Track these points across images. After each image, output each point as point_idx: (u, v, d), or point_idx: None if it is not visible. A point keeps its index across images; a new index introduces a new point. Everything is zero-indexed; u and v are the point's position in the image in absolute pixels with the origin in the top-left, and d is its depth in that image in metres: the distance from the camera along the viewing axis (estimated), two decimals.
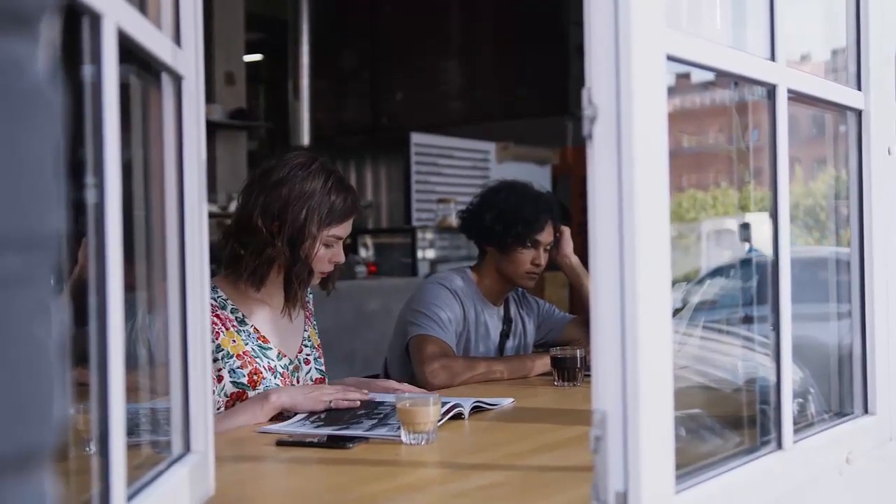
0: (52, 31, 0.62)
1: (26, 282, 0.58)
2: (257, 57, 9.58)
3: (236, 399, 2.00)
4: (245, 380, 2.02)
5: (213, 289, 2.06)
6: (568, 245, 2.79)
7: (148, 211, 1.18)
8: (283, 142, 7.98)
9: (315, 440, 1.70)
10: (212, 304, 2.00)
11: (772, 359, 1.38)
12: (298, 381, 2.15)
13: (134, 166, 1.14)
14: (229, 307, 2.08)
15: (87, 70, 0.86)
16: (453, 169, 7.40)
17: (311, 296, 2.30)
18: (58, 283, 0.67)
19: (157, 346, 1.22)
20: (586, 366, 2.35)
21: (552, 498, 1.37)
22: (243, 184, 2.15)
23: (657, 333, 1.06)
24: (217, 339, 2.01)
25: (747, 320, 1.69)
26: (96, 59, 0.86)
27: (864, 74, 1.64)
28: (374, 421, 1.82)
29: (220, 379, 2.00)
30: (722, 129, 1.79)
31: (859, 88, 1.64)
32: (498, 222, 2.66)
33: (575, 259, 2.80)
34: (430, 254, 6.57)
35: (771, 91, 1.37)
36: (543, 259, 2.69)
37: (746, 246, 1.94)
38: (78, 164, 0.87)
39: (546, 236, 2.68)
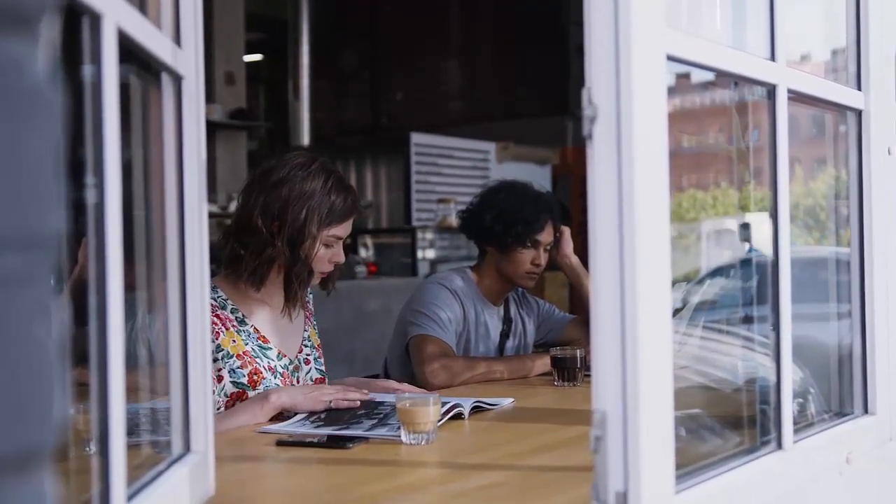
0: (51, 30, 0.62)
1: (26, 282, 0.58)
2: (257, 57, 9.58)
3: (236, 399, 2.00)
4: (245, 380, 2.02)
5: (213, 289, 2.06)
6: (568, 245, 2.79)
7: (148, 211, 1.18)
8: (283, 142, 7.98)
9: (315, 440, 1.70)
10: (212, 305, 2.00)
11: (772, 359, 1.38)
12: (298, 381, 2.15)
13: (134, 166, 1.14)
14: (229, 307, 2.08)
15: (87, 70, 0.86)
16: (453, 169, 7.40)
17: (310, 296, 2.30)
18: (58, 283, 0.67)
19: (157, 345, 1.22)
20: (586, 366, 2.35)
21: (552, 498, 1.37)
22: (243, 184, 2.15)
23: (657, 333, 1.06)
24: (217, 339, 2.01)
25: (747, 320, 1.69)
26: (96, 59, 0.86)
27: (864, 74, 1.64)
28: (374, 421, 1.82)
29: (220, 379, 2.00)
30: (722, 129, 1.79)
31: (859, 88, 1.64)
32: (498, 222, 2.66)
33: (575, 259, 2.80)
34: (430, 254, 6.57)
35: (771, 91, 1.37)
36: (543, 259, 2.69)
37: (746, 246, 1.94)
38: (78, 164, 0.87)
39: (546, 236, 2.68)
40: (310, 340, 2.23)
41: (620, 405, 1.03)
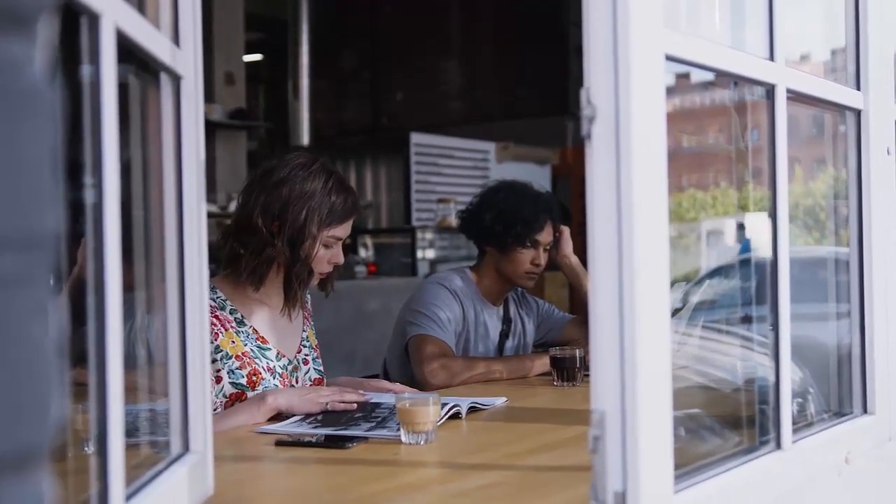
0: (49, 30, 0.62)
1: (25, 282, 0.58)
2: (257, 57, 9.57)
3: (235, 400, 2.00)
4: (244, 381, 2.02)
5: (212, 289, 2.06)
6: (567, 245, 2.79)
7: (147, 211, 1.18)
8: (282, 142, 7.98)
9: (314, 440, 1.70)
10: (210, 305, 2.00)
11: (771, 358, 1.38)
12: (297, 382, 2.15)
13: (133, 166, 1.14)
14: (228, 308, 2.08)
15: (85, 70, 0.86)
16: (453, 169, 7.40)
17: (308, 296, 2.30)
18: (56, 284, 0.67)
19: (155, 345, 1.22)
20: (585, 366, 2.35)
21: (551, 498, 1.37)
22: (243, 184, 2.15)
23: (656, 333, 1.06)
24: (216, 340, 2.01)
25: (746, 320, 1.69)
26: (95, 59, 0.86)
27: (863, 74, 1.64)
28: (372, 423, 1.82)
29: (218, 380, 2.00)
30: (721, 129, 1.79)
31: (858, 88, 1.64)
32: (497, 222, 2.66)
33: (574, 259, 2.80)
34: (430, 254, 6.57)
35: (770, 91, 1.37)
36: (543, 259, 2.69)
37: (742, 243, 1.94)
38: (77, 164, 0.87)
39: (545, 236, 2.68)
40: (308, 341, 2.23)
41: (619, 405, 1.03)
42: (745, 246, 1.86)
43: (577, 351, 2.39)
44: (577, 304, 3.24)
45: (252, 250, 2.04)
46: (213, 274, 2.11)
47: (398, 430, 1.69)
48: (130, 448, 0.94)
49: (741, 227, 1.95)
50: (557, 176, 7.46)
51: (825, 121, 1.80)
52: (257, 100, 9.40)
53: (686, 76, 1.32)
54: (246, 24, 7.41)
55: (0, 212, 0.56)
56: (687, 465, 1.17)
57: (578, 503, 1.25)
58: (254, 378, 2.03)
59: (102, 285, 0.87)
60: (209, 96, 6.67)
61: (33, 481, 0.57)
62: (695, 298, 1.90)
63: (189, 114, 1.20)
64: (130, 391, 0.99)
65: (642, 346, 1.02)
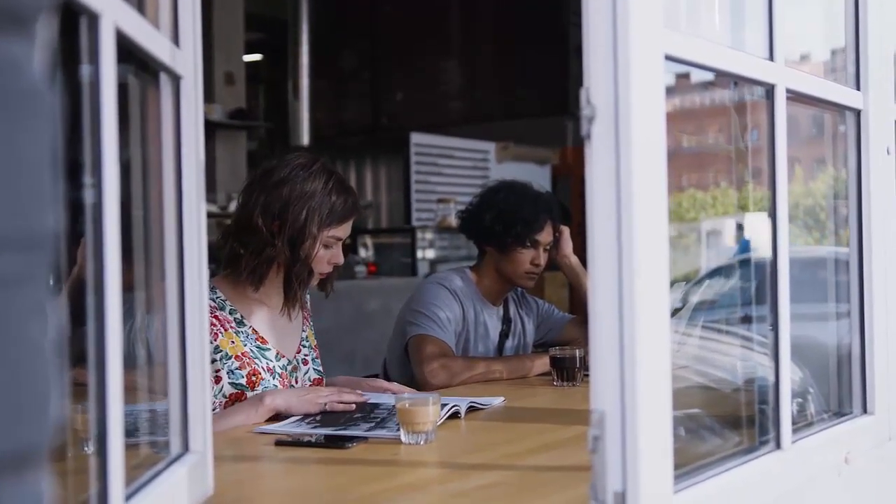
0: (49, 30, 0.62)
1: (24, 282, 0.58)
2: (257, 57, 9.57)
3: (235, 400, 2.00)
4: (244, 381, 2.02)
5: (212, 289, 2.06)
6: (567, 245, 2.79)
7: (146, 211, 1.18)
8: (282, 142, 7.98)
9: (314, 440, 1.70)
10: (210, 305, 2.00)
11: (771, 358, 1.38)
12: (297, 382, 2.15)
13: (132, 166, 1.14)
14: (227, 308, 2.08)
15: (85, 70, 0.86)
16: (453, 169, 7.40)
17: (308, 296, 2.30)
18: (56, 283, 0.67)
19: (155, 345, 1.22)
20: (585, 366, 2.35)
21: (550, 498, 1.37)
22: (243, 184, 2.15)
23: (656, 333, 1.06)
24: (215, 340, 2.01)
25: (746, 320, 1.69)
26: (94, 59, 0.86)
27: (863, 74, 1.64)
28: (371, 424, 1.82)
29: (217, 380, 2.00)
30: (721, 129, 1.79)
31: (858, 88, 1.64)
32: (497, 222, 2.66)
33: (574, 259, 2.80)
34: (430, 254, 6.57)
35: (769, 91, 1.37)
36: (543, 259, 2.69)
37: (741, 241, 1.94)
38: (76, 164, 0.87)
39: (545, 236, 2.68)
40: (308, 341, 2.23)
41: (619, 405, 1.03)
42: (745, 246, 1.86)
43: (577, 351, 2.39)
44: (577, 304, 3.24)
45: (252, 250, 2.05)
46: (212, 274, 2.11)
47: (397, 430, 1.69)
48: (130, 448, 0.94)
49: (741, 227, 1.95)
50: (557, 176, 7.46)
51: (825, 121, 1.80)
52: (257, 100, 9.40)
53: (686, 76, 1.32)
54: (246, 24, 7.41)
55: (0, 211, 0.56)
56: (687, 465, 1.17)
57: (578, 503, 1.25)
58: (253, 378, 2.03)
59: (102, 285, 0.87)
60: (209, 96, 6.67)
61: (32, 481, 0.57)
62: (695, 298, 1.90)
63: (189, 114, 1.20)
64: (130, 391, 0.99)
65: (642, 346, 1.02)
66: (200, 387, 1.23)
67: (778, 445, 1.35)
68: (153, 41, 1.06)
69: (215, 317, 2.03)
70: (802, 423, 1.50)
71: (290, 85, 7.86)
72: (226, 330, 2.04)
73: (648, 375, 1.03)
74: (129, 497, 0.95)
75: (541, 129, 7.78)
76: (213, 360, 1.99)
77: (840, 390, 1.69)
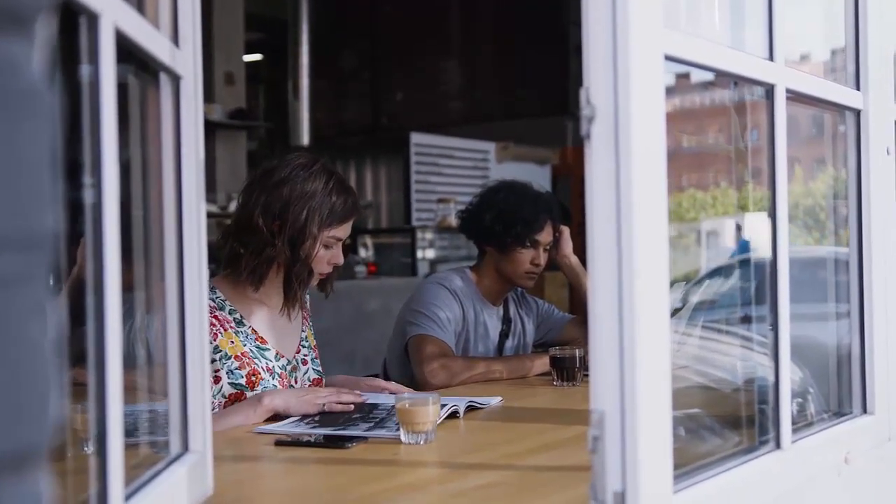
0: (48, 30, 0.62)
1: (24, 282, 0.58)
2: (257, 57, 9.57)
3: (235, 400, 2.00)
4: (243, 381, 2.02)
5: (212, 289, 2.06)
6: (567, 245, 2.79)
7: (146, 211, 1.18)
8: (282, 142, 7.98)
9: (313, 440, 1.70)
10: (210, 305, 2.00)
11: (770, 358, 1.38)
12: (296, 382, 2.15)
13: (132, 166, 1.14)
14: (227, 308, 2.08)
15: (84, 70, 0.86)
16: (453, 169, 7.40)
17: (308, 296, 2.30)
18: (56, 283, 0.67)
19: (155, 345, 1.22)
20: (585, 366, 2.35)
21: (550, 497, 1.37)
22: (243, 184, 2.15)
23: (655, 333, 1.06)
24: (215, 340, 2.01)
25: (746, 320, 1.69)
26: (94, 59, 0.86)
27: (862, 74, 1.64)
28: (371, 424, 1.82)
29: (217, 380, 2.00)
30: (721, 129, 1.79)
31: (858, 88, 1.64)
32: (497, 222, 2.66)
33: (574, 259, 2.80)
34: (430, 254, 6.57)
35: (769, 91, 1.37)
36: (543, 259, 2.69)
37: (740, 241, 1.94)
38: (76, 164, 0.87)
39: (545, 236, 2.68)
40: (307, 341, 2.23)
41: (619, 405, 1.02)
42: (744, 246, 1.86)
43: (577, 351, 2.39)
44: (577, 304, 3.24)
45: (252, 250, 2.05)
46: (212, 274, 2.11)
47: (397, 430, 1.69)
48: (130, 448, 0.94)
49: (741, 227, 1.95)
50: (557, 176, 7.46)
51: (825, 121, 1.80)
52: (257, 100, 9.41)
53: (686, 76, 1.32)
54: (246, 24, 7.41)
55: (0, 211, 0.56)
56: (686, 465, 1.17)
57: (578, 503, 1.25)
58: (253, 378, 2.03)
59: (102, 285, 0.87)
60: (209, 96, 6.67)
61: (32, 481, 0.57)
62: (695, 298, 1.90)
63: (188, 114, 1.20)
64: (130, 391, 0.99)
65: (642, 346, 1.02)
66: (200, 387, 1.23)
67: (778, 445, 1.35)
68: (153, 41, 1.06)
69: (215, 317, 2.03)
70: (802, 423, 1.50)
71: (290, 85, 7.86)
72: (225, 330, 2.04)
73: (648, 375, 1.03)
74: (128, 497, 0.95)
75: (541, 129, 7.78)
76: (213, 360, 1.99)
77: (840, 390, 1.69)
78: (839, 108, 1.65)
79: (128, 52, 0.98)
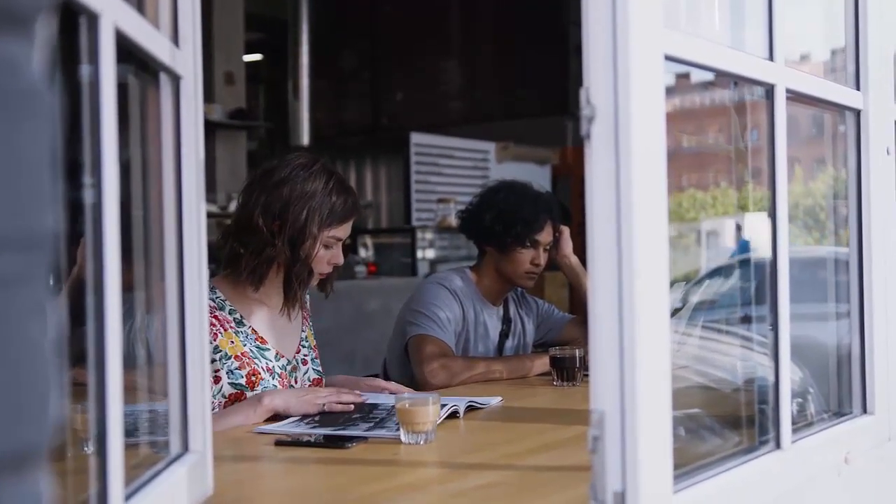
0: (48, 30, 0.62)
1: (24, 282, 0.58)
2: (257, 57, 9.57)
3: (235, 400, 2.00)
4: (243, 381, 2.02)
5: (212, 289, 2.06)
6: (567, 245, 2.79)
7: (146, 211, 1.18)
8: (282, 142, 7.98)
9: (313, 439, 1.70)
10: (210, 305, 2.00)
11: (770, 358, 1.38)
12: (296, 382, 2.15)
13: (132, 166, 1.14)
14: (227, 308, 2.08)
15: (84, 70, 0.86)
16: (453, 169, 7.40)
17: (308, 296, 2.30)
18: (56, 283, 0.67)
19: (155, 345, 1.22)
20: (585, 365, 2.35)
21: (550, 497, 1.37)
22: (244, 183, 2.15)
23: (655, 333, 1.06)
24: (214, 340, 2.01)
25: (746, 320, 1.69)
26: (94, 59, 0.86)
27: (862, 74, 1.64)
28: (371, 424, 1.82)
29: (217, 380, 2.00)
30: (721, 129, 1.79)
31: (858, 88, 1.64)
32: (497, 222, 2.66)
33: (574, 259, 2.80)
34: (430, 254, 6.57)
35: (769, 91, 1.37)
36: (543, 259, 2.69)
37: (740, 241, 1.94)
38: (76, 164, 0.87)
39: (545, 236, 2.68)
40: (307, 341, 2.23)
41: (619, 405, 1.02)
42: (744, 246, 1.86)
43: (577, 351, 2.39)
44: (577, 304, 3.24)
45: (252, 250, 2.05)
46: (212, 274, 2.11)
47: (396, 430, 1.69)
48: (130, 448, 0.94)
49: (741, 227, 1.95)
50: (557, 176, 7.46)
51: (825, 121, 1.80)
52: (257, 100, 9.40)
53: (686, 76, 1.32)
54: (246, 24, 7.41)
55: (0, 211, 0.56)
56: (686, 465, 1.17)
57: (578, 503, 1.25)
58: (253, 378, 2.03)
59: (102, 285, 0.87)
60: (209, 96, 6.67)
61: (32, 481, 0.57)
62: (695, 298, 1.90)
63: (188, 114, 1.20)
64: (130, 391, 0.99)
65: (642, 346, 1.02)
66: (200, 387, 1.23)
67: (778, 445, 1.35)
68: (153, 41, 1.06)
69: (215, 317, 2.03)
70: (802, 423, 1.50)
71: (290, 85, 7.86)
72: (225, 330, 2.04)
73: (648, 375, 1.03)
74: (128, 497, 0.95)
75: (541, 129, 7.78)
76: (213, 360, 1.99)
77: (840, 390, 1.69)
78: (839, 108, 1.65)
79: (128, 52, 0.98)
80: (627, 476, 1.02)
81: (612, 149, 1.03)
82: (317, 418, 1.88)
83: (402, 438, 1.67)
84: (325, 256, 2.09)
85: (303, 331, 2.22)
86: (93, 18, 0.85)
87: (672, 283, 1.12)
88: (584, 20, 1.05)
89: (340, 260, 2.13)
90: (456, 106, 9.00)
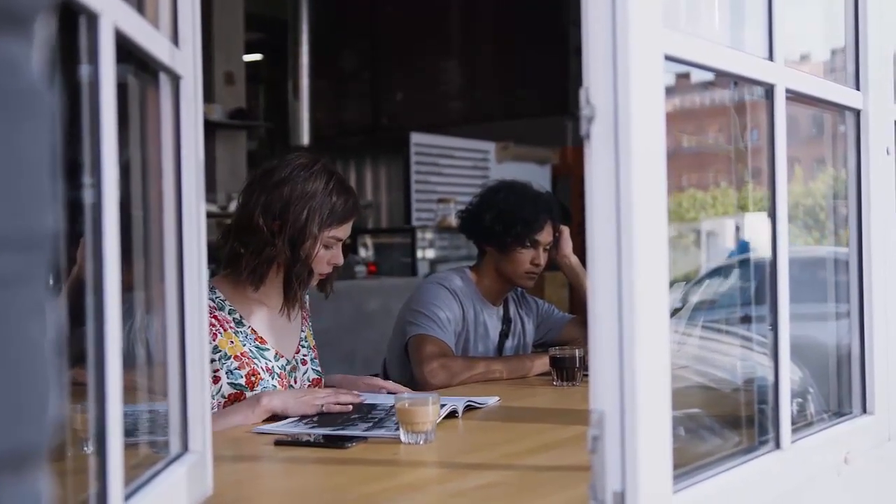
0: (47, 30, 0.62)
1: (24, 282, 0.58)
2: (257, 57, 9.57)
3: (234, 400, 2.00)
4: (243, 381, 2.02)
5: (211, 289, 2.06)
6: (567, 245, 2.79)
7: (146, 211, 1.18)
8: (282, 142, 7.98)
9: (313, 439, 1.70)
10: (209, 306, 2.00)
11: (770, 358, 1.38)
12: (296, 382, 2.15)
13: (132, 167, 1.14)
14: (227, 308, 2.08)
15: (84, 70, 0.86)
16: (453, 169, 7.40)
17: (307, 296, 2.30)
18: (56, 283, 0.67)
19: (155, 345, 1.22)
20: (585, 365, 2.34)
21: (550, 497, 1.37)
22: (244, 183, 2.15)
23: (655, 333, 1.06)
24: (214, 340, 2.01)
25: (746, 320, 1.69)
26: (93, 59, 0.86)
27: (862, 74, 1.64)
28: (369, 424, 1.82)
29: (216, 380, 2.00)
30: (721, 129, 1.79)
31: (858, 88, 1.64)
32: (497, 222, 2.66)
33: (574, 259, 2.80)
34: (430, 254, 6.57)
35: (769, 91, 1.37)
36: (543, 259, 2.69)
37: (739, 241, 1.94)
38: (75, 164, 0.87)
39: (545, 236, 2.68)
40: (306, 341, 2.23)
41: (618, 405, 1.03)
42: (743, 246, 1.86)
43: (577, 351, 2.39)
44: (577, 304, 3.24)
45: (252, 250, 2.05)
46: (212, 274, 2.11)
47: (395, 430, 1.69)
48: (129, 448, 0.94)
49: (741, 227, 1.95)
50: (557, 176, 7.47)
51: (825, 121, 1.80)
52: (257, 100, 9.40)
53: (686, 76, 1.32)
54: (246, 24, 7.41)
55: None
56: (686, 465, 1.17)
57: (577, 503, 1.25)
58: (252, 378, 2.03)
59: (101, 285, 0.87)
60: (209, 96, 6.67)
61: (31, 481, 0.57)
62: (694, 298, 1.90)
63: (188, 114, 1.20)
64: (130, 391, 0.99)
65: (641, 346, 1.02)
66: (200, 386, 1.23)
67: (777, 445, 1.35)
68: (152, 41, 1.06)
69: (214, 317, 2.03)
70: (802, 422, 1.50)
71: (290, 85, 7.86)
72: (225, 330, 2.04)
73: (648, 375, 1.03)
74: (128, 497, 0.95)
75: (541, 129, 7.78)
76: (212, 361, 1.99)
77: (840, 390, 1.69)
78: (839, 108, 1.65)
79: (127, 52, 0.98)
80: (627, 476, 1.02)
81: (611, 149, 1.03)
82: (315, 419, 1.88)
83: (402, 438, 1.67)
84: (325, 257, 2.09)
85: (302, 331, 2.22)
86: (92, 18, 0.85)
87: (672, 283, 1.12)
88: (583, 20, 1.05)
89: (340, 260, 2.13)
90: (456, 106, 9.00)
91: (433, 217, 6.88)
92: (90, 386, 0.87)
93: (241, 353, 2.04)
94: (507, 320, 2.79)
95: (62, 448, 1.14)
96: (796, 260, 1.41)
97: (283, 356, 2.13)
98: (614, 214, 1.03)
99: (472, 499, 1.38)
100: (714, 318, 1.84)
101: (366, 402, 2.01)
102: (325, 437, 1.71)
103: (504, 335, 2.78)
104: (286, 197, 2.03)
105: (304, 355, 2.20)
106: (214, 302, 2.06)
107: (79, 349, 0.87)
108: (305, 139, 7.81)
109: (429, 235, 6.60)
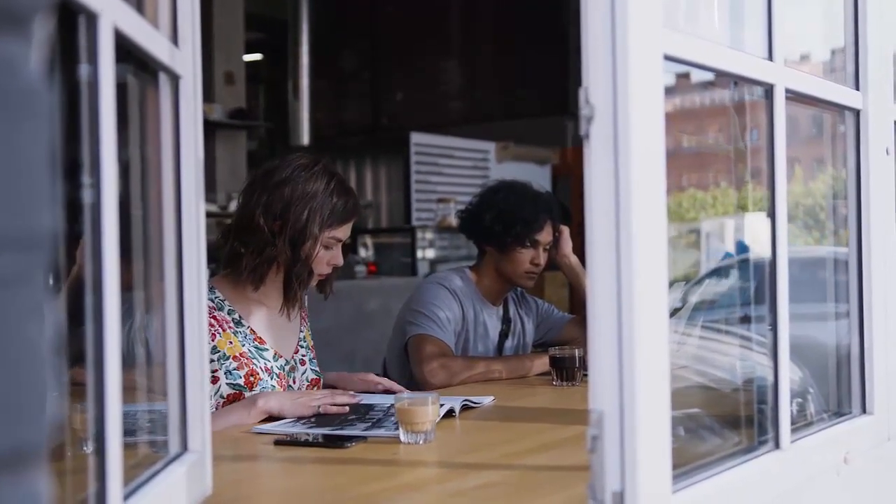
0: (46, 30, 0.62)
1: (23, 282, 0.58)
2: (257, 57, 9.57)
3: (233, 401, 2.00)
4: (242, 381, 2.02)
5: (211, 289, 2.06)
6: (567, 245, 2.79)
7: (145, 211, 1.18)
8: (282, 142, 7.98)
9: (312, 439, 1.70)
10: (208, 306, 2.00)
11: (770, 358, 1.38)
12: (294, 382, 2.15)
13: (131, 166, 1.14)
14: (226, 308, 2.08)
15: (83, 69, 0.86)
16: (453, 169, 7.40)
17: (306, 296, 2.30)
18: (55, 283, 0.67)
19: (154, 345, 1.22)
20: (585, 365, 2.34)
21: (549, 497, 1.37)
22: (244, 183, 2.15)
23: (654, 333, 1.06)
24: (213, 340, 2.01)
25: (746, 320, 1.69)
26: (93, 59, 0.86)
27: (862, 74, 1.64)
28: (368, 424, 1.82)
29: (214, 380, 2.00)
30: (721, 129, 1.79)
31: (857, 88, 1.64)
32: (497, 222, 2.66)
33: (574, 259, 2.80)
34: (430, 254, 6.57)
35: (769, 91, 1.37)
36: (543, 259, 2.69)
37: (737, 243, 1.94)
38: (75, 164, 0.87)
39: (545, 236, 2.68)
40: (305, 341, 2.23)
41: (618, 405, 1.03)
42: (741, 246, 1.86)
43: (577, 351, 2.39)
44: (577, 304, 3.24)
45: (253, 250, 2.05)
46: (212, 274, 2.11)
47: (394, 429, 1.69)
48: (129, 447, 0.94)
49: (741, 227, 1.95)
50: (557, 176, 7.47)
51: (824, 121, 1.80)
52: (257, 100, 9.40)
53: (686, 76, 1.32)
54: (246, 24, 7.41)
55: None
56: (685, 465, 1.17)
57: (577, 503, 1.25)
58: (251, 379, 2.03)
59: (101, 285, 0.87)
60: (209, 96, 6.67)
61: (30, 481, 0.57)
62: (694, 298, 1.90)
63: (188, 114, 1.20)
64: (129, 391, 0.99)
65: (641, 346, 1.02)
66: (199, 386, 1.23)
67: (777, 445, 1.36)
68: (152, 41, 1.07)
69: (213, 317, 2.03)
70: (802, 422, 1.50)
71: (290, 85, 7.86)
72: (224, 330, 2.04)
73: (647, 375, 1.03)
74: (127, 496, 0.95)
75: (541, 129, 7.78)
76: (211, 361, 1.99)
77: (839, 390, 1.69)
78: (839, 108, 1.65)
79: (127, 51, 0.98)
80: (626, 476, 1.02)
81: (611, 149, 1.03)
82: (313, 419, 1.88)
83: (402, 438, 1.67)
84: (325, 257, 2.09)
85: (301, 331, 2.22)
86: (92, 18, 0.85)
87: (672, 283, 1.12)
88: (583, 20, 1.05)
89: (340, 261, 2.13)
90: (456, 106, 9.00)
91: (433, 217, 6.88)
92: (89, 386, 0.87)
93: (240, 354, 2.04)
94: (506, 320, 2.79)
95: (62, 448, 1.14)
96: (796, 260, 1.41)
97: (281, 356, 2.13)
98: (614, 214, 1.03)
99: (472, 498, 1.38)
100: (714, 317, 1.84)
101: (363, 402, 2.01)
102: (325, 436, 1.71)
103: (504, 335, 2.78)
104: (287, 197, 2.03)
105: (303, 355, 2.20)
106: (214, 302, 2.06)
107: (78, 349, 0.87)
108: (305, 139, 7.80)
109: (429, 235, 6.60)
